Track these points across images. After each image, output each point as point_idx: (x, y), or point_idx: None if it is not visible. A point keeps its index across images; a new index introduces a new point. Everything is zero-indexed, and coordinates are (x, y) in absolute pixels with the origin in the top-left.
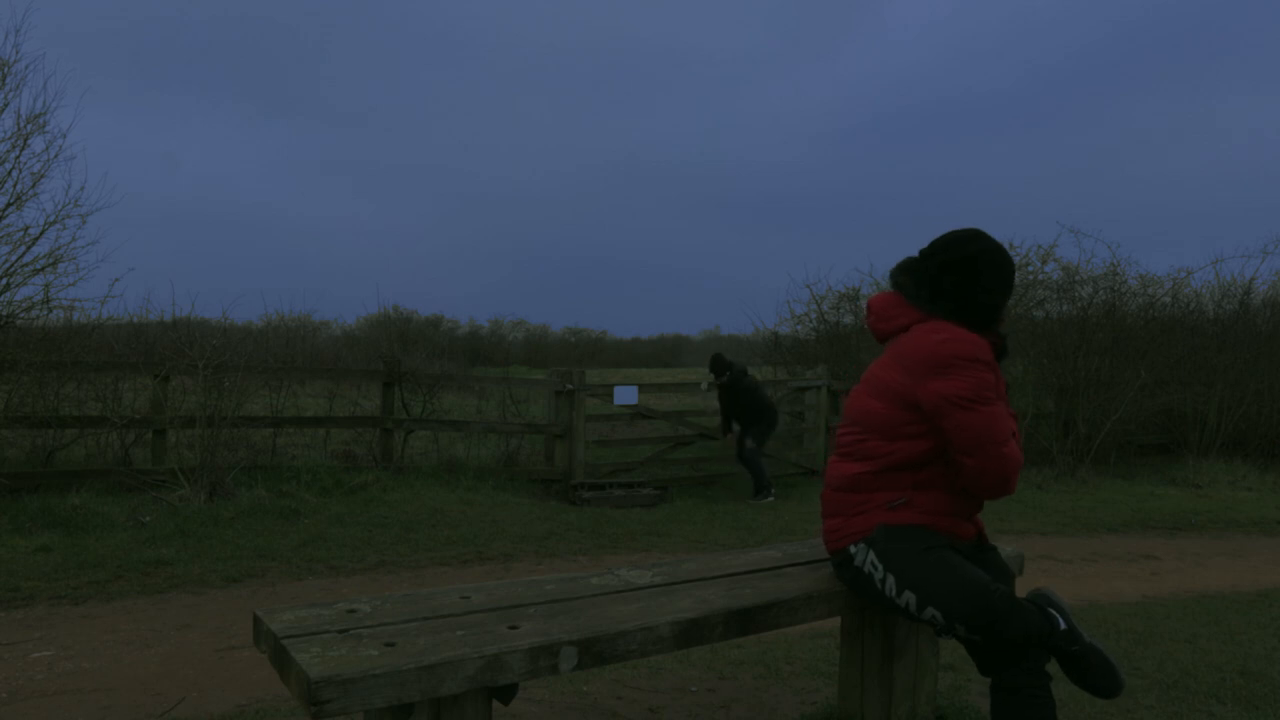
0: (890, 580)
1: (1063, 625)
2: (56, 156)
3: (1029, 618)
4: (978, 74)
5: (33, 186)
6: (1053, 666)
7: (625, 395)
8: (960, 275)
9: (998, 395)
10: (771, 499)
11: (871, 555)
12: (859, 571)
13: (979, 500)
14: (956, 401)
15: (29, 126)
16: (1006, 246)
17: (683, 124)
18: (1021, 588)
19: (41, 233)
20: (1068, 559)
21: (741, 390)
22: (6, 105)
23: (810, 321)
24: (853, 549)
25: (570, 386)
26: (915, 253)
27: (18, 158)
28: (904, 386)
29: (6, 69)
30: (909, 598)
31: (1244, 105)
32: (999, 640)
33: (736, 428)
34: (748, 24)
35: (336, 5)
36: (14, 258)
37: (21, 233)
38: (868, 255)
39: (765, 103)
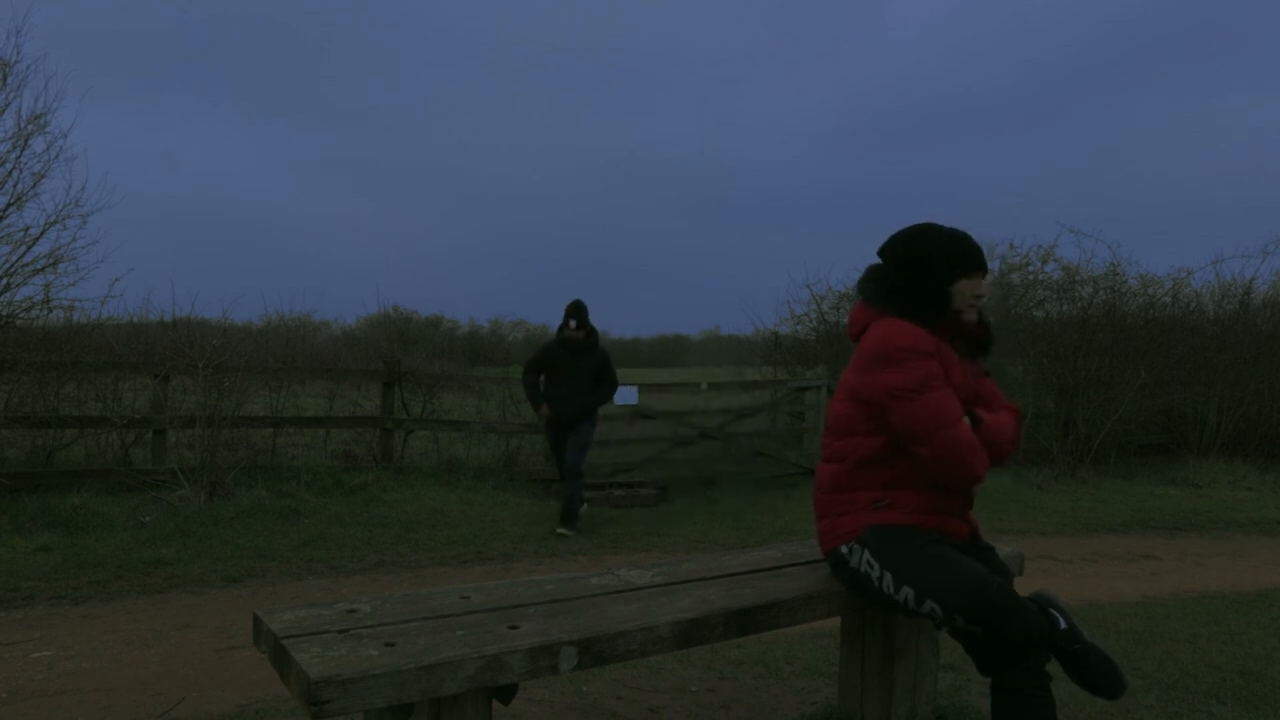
0: (888, 577)
1: (1063, 625)
2: (57, 157)
3: (1029, 615)
4: (977, 73)
5: (33, 187)
6: (1054, 667)
7: (625, 395)
8: (913, 271)
9: (949, 382)
10: (572, 533)
11: (866, 555)
12: (855, 571)
13: (967, 498)
14: (898, 393)
15: (30, 127)
16: (1007, 245)
17: (683, 123)
18: (1021, 588)
19: (42, 233)
20: (1068, 559)
21: (593, 358)
22: (8, 106)
23: (810, 321)
24: (844, 549)
25: None
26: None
27: (18, 158)
28: (856, 384)
29: (8, 70)
30: (907, 593)
31: (1244, 105)
32: (999, 636)
33: (547, 421)
34: (748, 23)
35: (336, 5)
36: (14, 258)
37: (22, 233)
38: (868, 255)
39: (765, 102)
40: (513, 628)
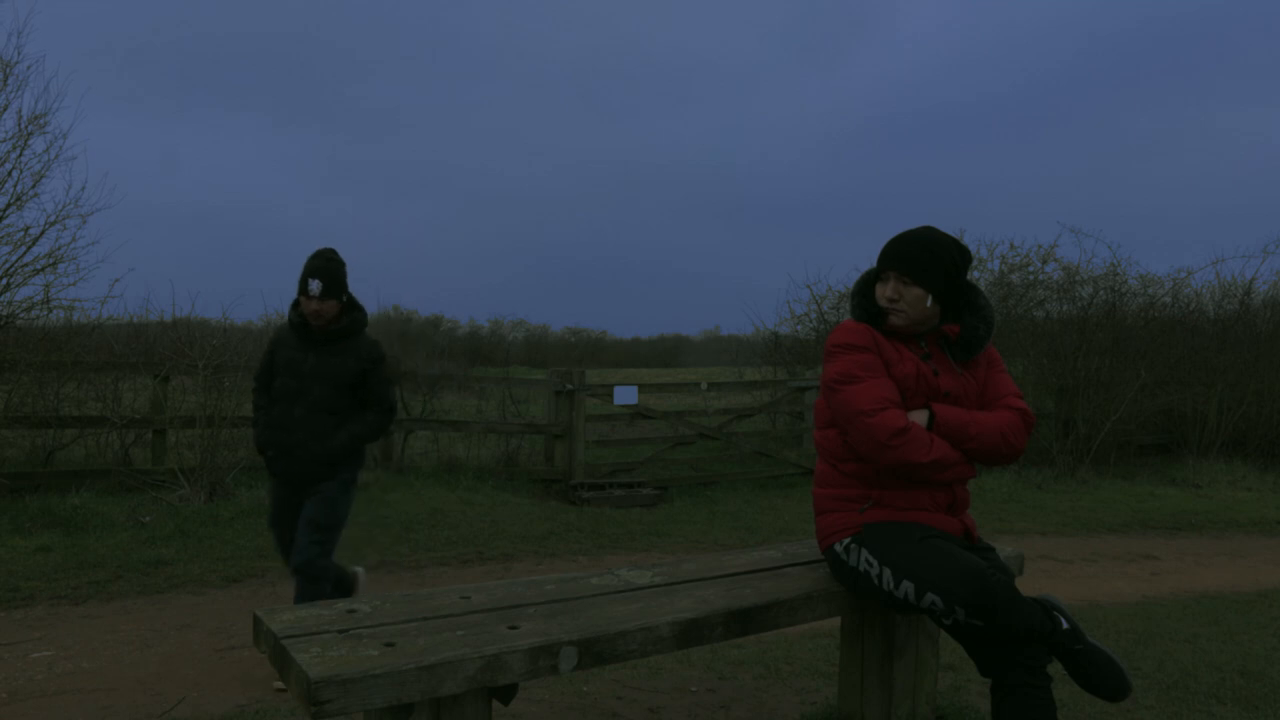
0: (887, 573)
1: (1066, 625)
2: (57, 157)
3: (1030, 610)
4: (979, 78)
5: (33, 187)
6: (1055, 668)
7: (625, 395)
8: (860, 277)
9: (889, 376)
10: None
11: (865, 553)
12: (854, 570)
13: (961, 497)
14: (828, 384)
15: (30, 127)
16: (1007, 245)
17: (685, 127)
18: (1022, 589)
19: (42, 233)
20: (1068, 559)
21: (347, 357)
22: (8, 106)
23: (810, 321)
24: (838, 547)
25: (570, 386)
26: None
27: (19, 158)
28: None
29: (8, 70)
30: (907, 587)
31: (1245, 107)
32: (1000, 632)
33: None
34: (757, 35)
35: (337, 7)
36: (14, 258)
37: (22, 233)
38: (869, 255)
39: (773, 109)
40: (513, 628)
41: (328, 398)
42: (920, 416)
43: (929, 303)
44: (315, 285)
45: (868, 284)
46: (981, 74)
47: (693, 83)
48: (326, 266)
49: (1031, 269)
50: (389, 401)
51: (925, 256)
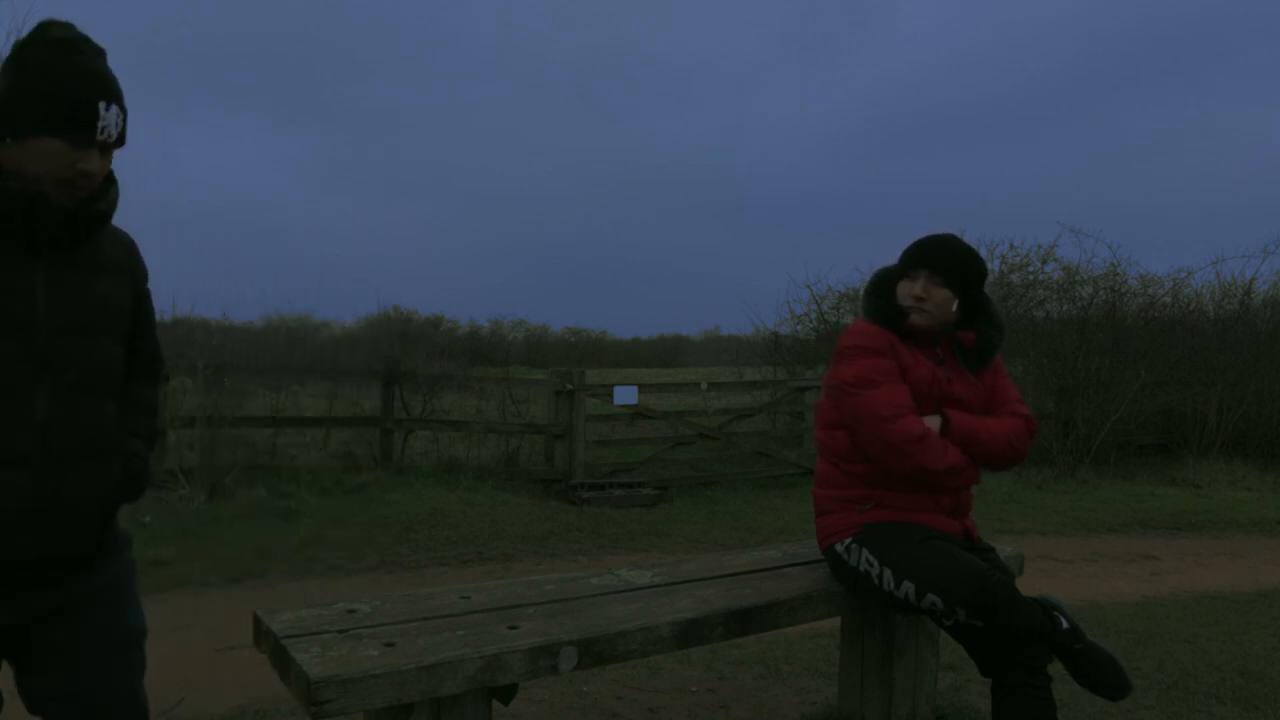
0: (888, 574)
1: (1066, 625)
2: None
3: (1031, 610)
4: (978, 77)
5: None
6: (1055, 668)
7: (625, 395)
8: (873, 276)
9: (904, 380)
10: None
11: (865, 553)
12: (855, 570)
13: (963, 500)
14: (841, 386)
15: None
16: (1007, 245)
17: (685, 127)
18: (1022, 589)
19: None
20: (1068, 559)
21: (105, 267)
22: None
23: (810, 321)
24: (840, 548)
25: (570, 386)
26: None
27: None
28: (825, 380)
29: None
30: (908, 588)
31: (1245, 107)
32: (1001, 631)
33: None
34: (757, 35)
35: (338, 6)
36: None
37: None
38: (869, 256)
39: (770, 108)
40: (513, 628)
41: (97, 369)
42: (934, 422)
43: (954, 306)
44: (114, 117)
45: (884, 283)
46: (981, 74)
47: (693, 83)
48: (113, 84)
49: (1031, 269)
50: (160, 355)
51: (954, 261)
